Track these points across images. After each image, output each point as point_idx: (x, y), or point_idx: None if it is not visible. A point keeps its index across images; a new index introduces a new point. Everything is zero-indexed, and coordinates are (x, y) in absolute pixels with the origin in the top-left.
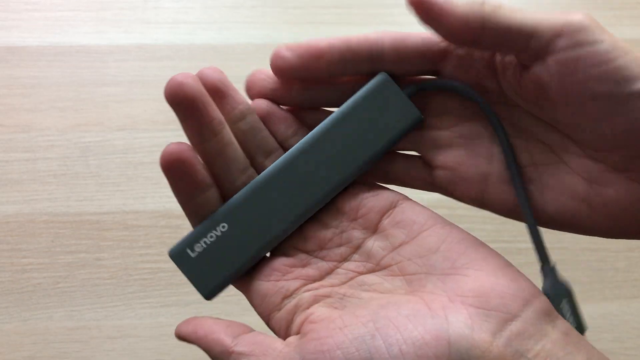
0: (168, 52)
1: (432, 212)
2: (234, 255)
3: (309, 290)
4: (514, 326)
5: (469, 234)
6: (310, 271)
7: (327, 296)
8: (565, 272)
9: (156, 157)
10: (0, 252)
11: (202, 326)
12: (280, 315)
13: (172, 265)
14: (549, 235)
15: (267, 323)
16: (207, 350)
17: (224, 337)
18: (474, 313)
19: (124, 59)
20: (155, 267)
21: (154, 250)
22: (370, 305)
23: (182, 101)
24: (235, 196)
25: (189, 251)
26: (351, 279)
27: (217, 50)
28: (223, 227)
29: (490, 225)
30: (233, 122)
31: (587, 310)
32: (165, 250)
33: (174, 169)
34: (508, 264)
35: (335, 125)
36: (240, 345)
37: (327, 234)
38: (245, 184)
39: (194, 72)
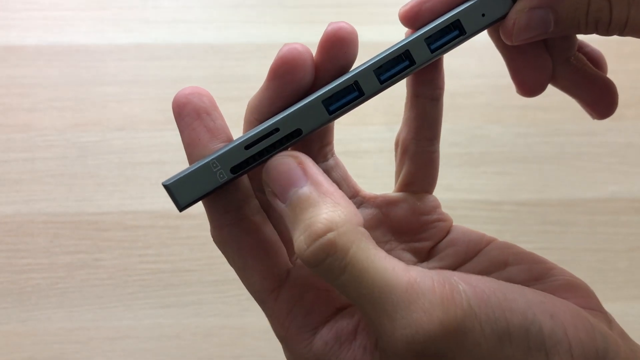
0: (167, 52)
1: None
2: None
3: None
4: (615, 330)
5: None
6: None
7: None
8: None
9: (155, 157)
10: None
11: None
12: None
13: (171, 265)
14: (549, 236)
15: None
16: None
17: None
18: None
19: (123, 58)
20: (154, 268)
21: (153, 250)
22: None
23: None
24: None
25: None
26: None
27: (216, 49)
28: None
29: (492, 226)
30: None
31: None
32: (165, 251)
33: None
34: None
35: None
36: None
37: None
38: None
39: (193, 72)
